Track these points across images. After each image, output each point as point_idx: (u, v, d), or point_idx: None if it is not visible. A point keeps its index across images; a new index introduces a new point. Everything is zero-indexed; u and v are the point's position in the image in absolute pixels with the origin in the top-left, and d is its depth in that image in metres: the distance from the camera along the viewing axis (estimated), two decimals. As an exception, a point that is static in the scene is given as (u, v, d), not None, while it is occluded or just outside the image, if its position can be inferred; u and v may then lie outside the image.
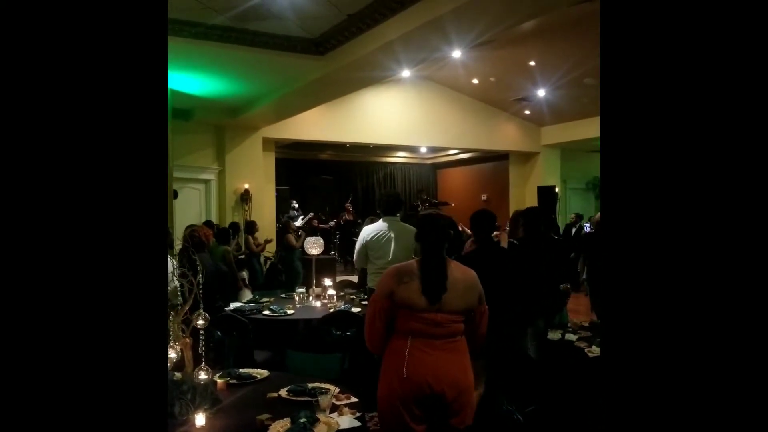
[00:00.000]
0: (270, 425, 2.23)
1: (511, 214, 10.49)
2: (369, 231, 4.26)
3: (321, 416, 2.31)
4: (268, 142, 10.72)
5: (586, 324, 4.05)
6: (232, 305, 4.99)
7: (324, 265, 9.08)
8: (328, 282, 5.40)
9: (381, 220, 4.27)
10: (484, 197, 14.49)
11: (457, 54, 8.57)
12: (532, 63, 9.49)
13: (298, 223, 11.72)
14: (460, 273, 2.45)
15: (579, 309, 8.26)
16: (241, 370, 2.97)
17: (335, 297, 5.18)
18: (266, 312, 4.74)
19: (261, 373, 2.97)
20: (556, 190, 12.84)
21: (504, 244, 4.40)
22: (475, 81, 10.95)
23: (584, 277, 9.51)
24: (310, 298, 5.30)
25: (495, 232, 4.45)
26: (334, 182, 14.45)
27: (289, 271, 7.76)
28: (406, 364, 2.31)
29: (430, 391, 2.31)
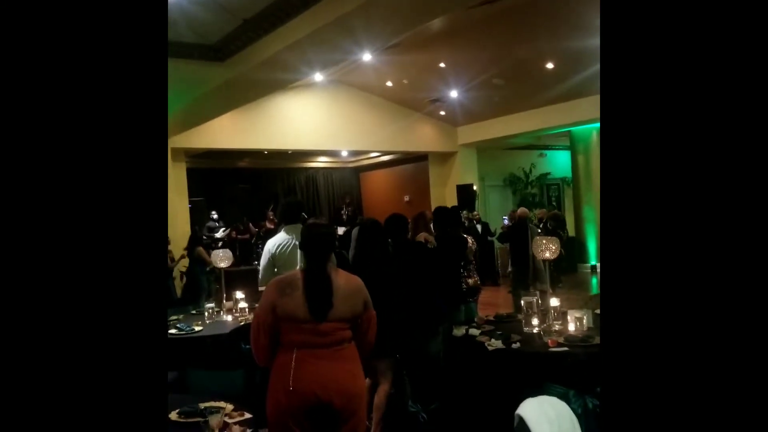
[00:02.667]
0: (152, 451, 2.13)
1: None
2: (274, 243, 4.16)
3: (208, 436, 2.22)
4: (177, 152, 10.32)
5: (492, 318, 4.15)
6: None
7: (244, 277, 8.86)
8: (239, 295, 5.25)
9: (283, 230, 4.16)
10: (406, 198, 14.64)
11: (368, 57, 8.62)
12: (443, 65, 9.69)
13: (219, 234, 11.39)
14: (343, 280, 2.42)
15: (496, 302, 8.49)
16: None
17: (247, 310, 5.05)
18: (172, 331, 4.54)
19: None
20: (475, 188, 13.16)
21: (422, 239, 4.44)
22: (389, 84, 11.05)
23: (509, 269, 9.82)
24: (222, 312, 5.14)
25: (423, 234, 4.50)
26: (254, 190, 14.15)
27: (193, 285, 7.50)
28: (292, 376, 2.27)
29: (317, 402, 2.27)
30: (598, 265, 11.05)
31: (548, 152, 15.31)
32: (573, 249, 10.72)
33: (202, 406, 2.55)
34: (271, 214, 12.55)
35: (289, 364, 2.29)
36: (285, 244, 4.07)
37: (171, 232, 9.00)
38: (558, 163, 15.32)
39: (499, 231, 11.04)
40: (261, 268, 4.16)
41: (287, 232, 4.08)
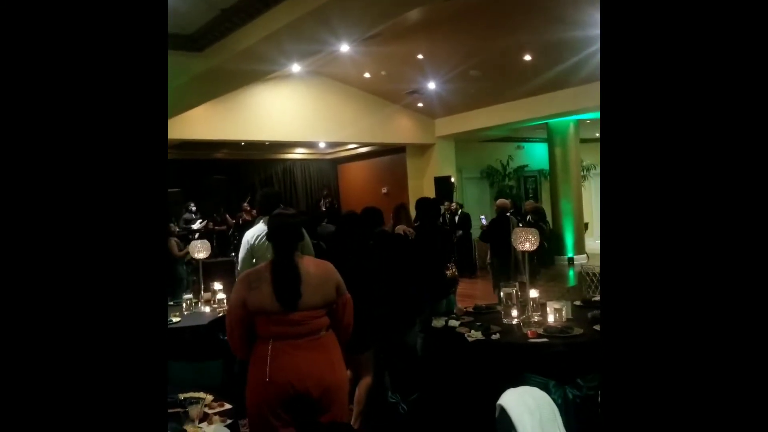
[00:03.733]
0: (132, 444, 2.11)
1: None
2: (252, 234, 4.13)
3: (189, 427, 2.22)
4: (154, 143, 10.19)
5: (471, 309, 4.18)
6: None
7: (221, 269, 8.78)
8: (217, 286, 5.21)
9: (261, 221, 4.13)
10: (384, 190, 14.65)
11: (345, 48, 8.57)
12: (420, 56, 9.68)
13: (196, 226, 11.25)
14: (313, 267, 2.42)
15: (474, 294, 8.55)
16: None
17: (225, 301, 5.01)
18: (149, 322, 4.50)
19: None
20: (452, 180, 13.22)
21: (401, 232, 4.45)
22: (367, 75, 11.01)
23: (488, 260, 9.89)
24: (200, 304, 5.10)
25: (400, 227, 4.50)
26: (231, 181, 14.01)
27: (171, 277, 7.42)
28: (269, 367, 2.27)
29: (294, 392, 2.27)
30: (575, 257, 11.21)
31: (525, 144, 15.44)
32: (551, 241, 10.85)
33: (181, 396, 2.53)
34: (247, 205, 12.44)
35: (266, 355, 2.29)
36: (263, 235, 4.04)
37: (146, 224, 8.90)
38: (535, 155, 15.46)
39: (479, 231, 11.12)
40: (239, 259, 4.14)
41: (265, 223, 4.05)
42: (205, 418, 2.34)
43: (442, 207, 10.78)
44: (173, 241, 7.57)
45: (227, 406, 2.48)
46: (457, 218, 11.22)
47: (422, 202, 4.85)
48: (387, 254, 3.86)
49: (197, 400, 2.46)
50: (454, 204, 11.83)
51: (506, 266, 6.99)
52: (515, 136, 14.53)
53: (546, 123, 11.84)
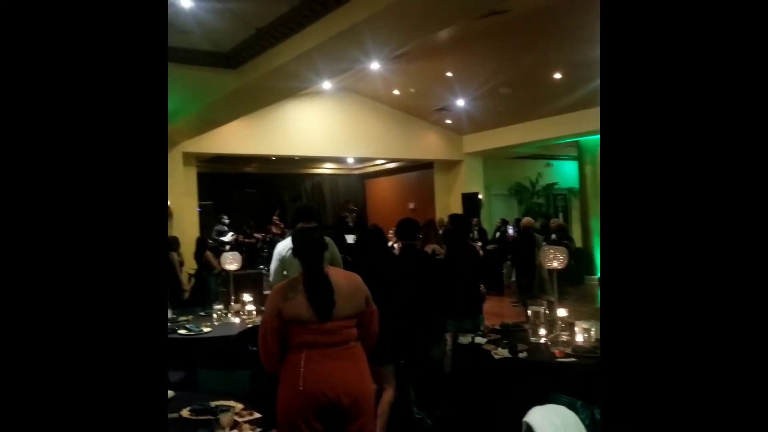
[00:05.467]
0: (165, 448, 2.17)
1: (438, 221, 10.72)
2: (284, 246, 4.20)
3: (219, 434, 2.27)
4: (188, 157, 10.43)
5: (498, 327, 4.17)
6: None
7: (251, 280, 8.91)
8: (247, 297, 5.31)
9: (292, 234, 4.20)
10: (411, 206, 14.68)
11: (376, 66, 8.70)
12: (449, 74, 9.75)
13: (227, 238, 11.44)
14: (342, 278, 2.48)
15: (502, 311, 8.49)
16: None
17: (255, 312, 5.09)
18: (182, 331, 4.60)
19: (165, 395, 2.88)
20: (480, 196, 13.19)
21: (429, 251, 4.48)
22: (396, 92, 11.12)
23: (513, 278, 9.82)
24: (229, 314, 5.19)
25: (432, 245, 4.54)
26: (261, 195, 14.24)
27: (202, 289, 7.55)
28: (302, 376, 2.31)
29: (326, 401, 2.32)
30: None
31: (555, 162, 15.32)
32: (580, 260, 10.72)
33: (212, 404, 2.60)
34: (276, 219, 12.62)
35: (299, 364, 2.34)
36: (293, 248, 4.12)
37: (180, 235, 9.10)
38: (565, 173, 15.33)
39: (497, 235, 11.04)
40: (271, 270, 4.21)
41: (296, 237, 4.13)
42: (235, 425, 2.39)
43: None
44: (210, 254, 7.74)
45: (257, 415, 2.53)
46: (497, 235, 11.20)
47: (456, 219, 4.90)
48: (411, 268, 3.88)
49: (228, 408, 2.52)
50: (498, 220, 11.83)
51: (531, 285, 6.95)
52: (544, 153, 14.45)
53: (576, 141, 11.75)
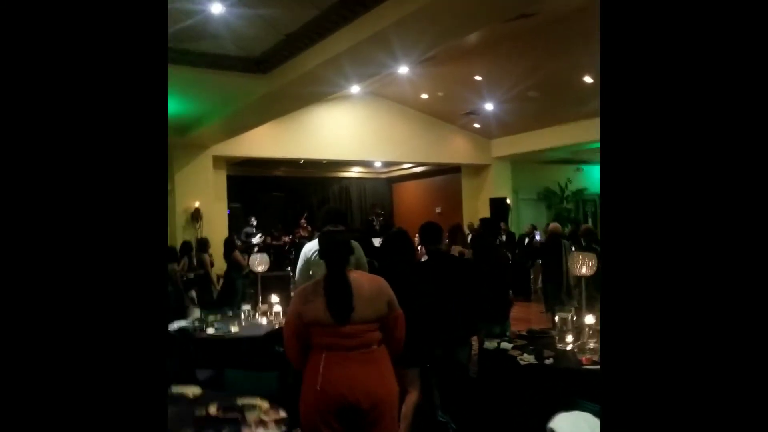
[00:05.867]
0: (193, 444, 2.22)
1: (467, 225, 10.65)
2: (310, 248, 4.24)
3: (245, 431, 2.31)
4: (218, 160, 10.63)
5: (524, 333, 4.14)
6: (176, 324, 4.90)
7: (278, 282, 9.01)
8: (274, 299, 5.37)
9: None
10: (438, 210, 14.65)
11: (404, 70, 8.74)
12: (478, 77, 9.73)
13: (256, 240, 11.59)
14: (366, 282, 2.49)
15: (529, 318, 8.41)
16: (174, 390, 2.94)
17: (281, 314, 5.15)
18: (210, 331, 4.68)
19: (194, 391, 2.94)
20: (508, 201, 13.10)
21: (455, 254, 4.48)
22: (425, 96, 11.14)
23: (539, 284, 9.71)
24: (257, 315, 5.26)
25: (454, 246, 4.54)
26: (289, 198, 14.40)
27: (230, 288, 7.66)
28: (321, 377, 2.34)
29: (345, 402, 2.34)
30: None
31: (585, 167, 15.11)
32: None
33: (239, 402, 2.64)
34: (304, 222, 12.74)
35: (319, 365, 2.37)
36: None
37: (210, 236, 9.26)
38: (595, 178, 15.10)
39: (525, 241, 10.91)
40: (297, 272, 4.26)
41: (322, 240, 4.16)
42: (261, 424, 2.43)
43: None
44: (238, 254, 7.86)
45: (282, 413, 2.55)
46: (526, 240, 11.09)
47: (486, 222, 4.90)
48: (439, 271, 3.88)
49: (254, 407, 2.56)
50: (528, 226, 11.74)
51: (558, 291, 6.88)
52: (574, 158, 14.27)
53: (606, 145, 11.56)
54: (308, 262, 4.15)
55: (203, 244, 8.23)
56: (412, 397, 3.49)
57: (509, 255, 9.25)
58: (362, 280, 2.49)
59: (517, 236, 11.82)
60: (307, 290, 2.49)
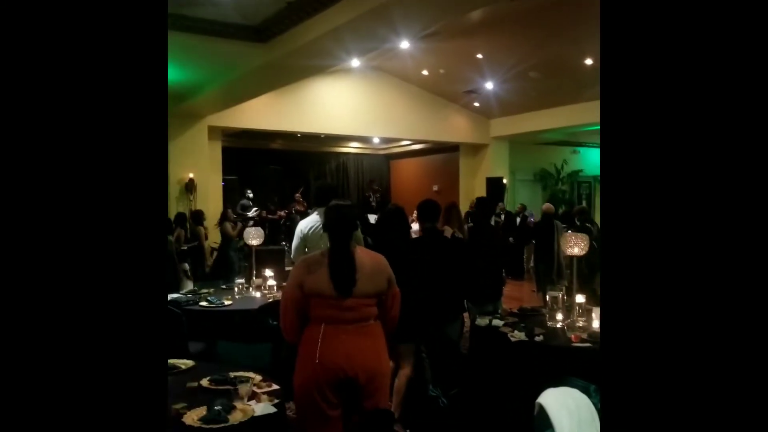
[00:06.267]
0: (185, 414, 2.23)
1: (462, 204, 10.63)
2: (306, 224, 4.24)
3: (238, 404, 2.32)
4: (214, 131, 10.53)
5: (515, 311, 4.18)
6: (169, 296, 4.91)
7: (272, 256, 9.02)
8: (269, 272, 5.38)
9: (315, 212, 4.24)
10: (435, 188, 14.65)
11: (405, 45, 8.63)
12: (480, 56, 9.63)
13: (251, 213, 11.58)
14: (368, 258, 2.50)
15: (522, 297, 8.48)
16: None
17: (276, 287, 5.17)
18: (203, 303, 4.69)
19: (186, 363, 2.95)
20: (504, 181, 13.10)
21: (448, 234, 4.48)
22: (425, 72, 11.04)
23: (531, 264, 9.76)
24: (251, 288, 5.27)
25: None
26: (285, 172, 14.33)
27: (223, 261, 7.67)
28: (319, 349, 2.35)
29: (344, 376, 2.36)
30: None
31: (582, 149, 15.12)
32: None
33: (232, 374, 2.65)
34: (300, 196, 12.71)
35: (317, 337, 2.38)
36: (316, 227, 4.15)
37: (205, 208, 9.23)
38: (591, 160, 15.12)
39: (517, 220, 10.93)
40: (293, 247, 4.26)
41: (320, 214, 4.15)
42: (253, 396, 2.45)
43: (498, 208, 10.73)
44: (228, 225, 7.84)
45: (275, 386, 2.58)
46: (518, 220, 11.11)
47: (482, 202, 4.91)
48: (433, 249, 3.89)
49: (247, 379, 2.58)
50: (519, 205, 11.75)
51: (550, 271, 6.94)
52: (572, 140, 14.25)
53: (605, 128, 11.55)
54: (305, 238, 4.16)
55: (198, 216, 8.21)
56: (405, 372, 3.53)
57: (505, 235, 9.31)
58: (364, 255, 2.50)
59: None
60: (310, 261, 2.49)
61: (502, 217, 10.76)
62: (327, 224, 2.53)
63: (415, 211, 5.64)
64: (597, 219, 11.50)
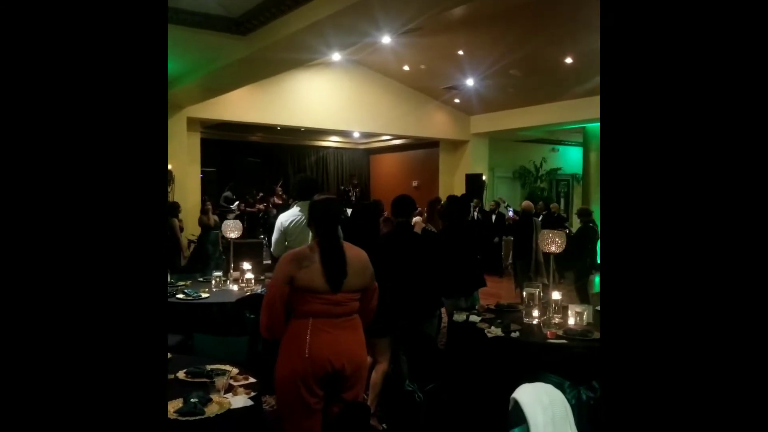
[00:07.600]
0: (161, 407, 2.22)
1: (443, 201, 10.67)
2: (286, 217, 4.23)
3: (214, 396, 2.32)
4: (192, 122, 10.41)
5: (493, 307, 4.22)
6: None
7: (250, 249, 8.96)
8: (246, 266, 5.35)
9: (295, 206, 4.23)
10: (415, 184, 14.69)
11: (387, 40, 8.62)
12: (461, 52, 9.67)
13: (234, 206, 11.49)
14: (354, 254, 2.52)
15: (500, 293, 8.54)
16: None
17: (253, 281, 5.14)
18: (180, 296, 4.64)
19: (162, 356, 2.93)
20: (484, 178, 13.19)
21: (418, 229, 4.50)
22: (406, 68, 11.04)
23: (509, 261, 9.85)
24: (228, 281, 5.24)
25: (416, 218, 4.55)
26: (265, 165, 14.23)
27: (200, 253, 7.60)
28: (308, 344, 2.36)
29: (331, 369, 2.38)
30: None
31: (560, 147, 15.28)
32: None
33: (208, 367, 2.64)
34: (279, 189, 12.64)
35: (305, 332, 2.38)
36: (297, 220, 4.15)
37: (182, 201, 9.12)
38: (570, 159, 15.29)
39: (493, 217, 10.96)
40: (273, 241, 4.25)
41: (301, 208, 4.14)
42: (230, 389, 2.44)
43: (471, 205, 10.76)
44: (203, 216, 7.77)
45: (252, 379, 2.58)
46: (494, 217, 11.15)
47: (453, 201, 4.92)
48: (403, 245, 3.90)
49: (223, 372, 2.57)
50: (492, 202, 11.78)
51: (527, 268, 7.02)
52: (551, 138, 14.40)
53: (583, 127, 11.70)
54: (285, 231, 4.14)
55: (173, 209, 8.10)
56: (382, 367, 3.54)
57: (481, 232, 9.35)
58: (350, 251, 2.51)
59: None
60: (299, 255, 2.46)
61: (476, 214, 10.82)
62: (315, 218, 2.52)
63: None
64: (574, 219, 11.67)
